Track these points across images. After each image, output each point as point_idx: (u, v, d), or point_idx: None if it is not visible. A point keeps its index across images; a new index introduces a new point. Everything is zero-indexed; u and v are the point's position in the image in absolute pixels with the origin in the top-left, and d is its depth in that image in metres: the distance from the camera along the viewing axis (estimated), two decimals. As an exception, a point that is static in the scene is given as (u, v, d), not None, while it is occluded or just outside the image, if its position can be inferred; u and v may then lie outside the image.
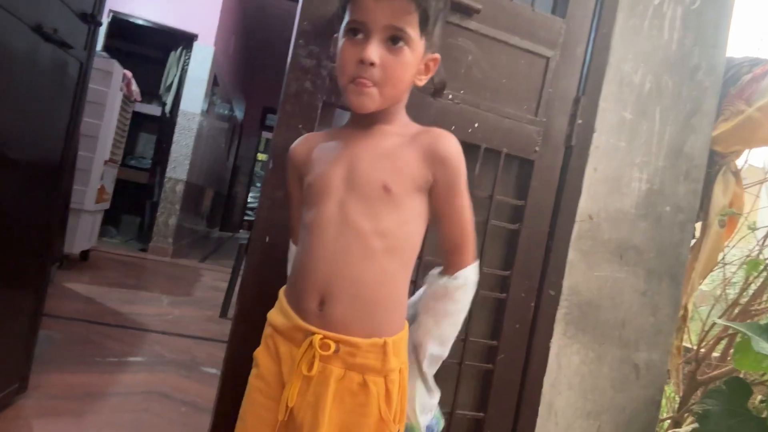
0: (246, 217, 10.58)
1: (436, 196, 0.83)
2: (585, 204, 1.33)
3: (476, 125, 1.23)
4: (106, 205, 4.01)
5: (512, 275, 1.29)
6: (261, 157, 11.81)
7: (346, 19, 0.80)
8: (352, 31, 0.80)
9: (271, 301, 0.97)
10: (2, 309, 1.53)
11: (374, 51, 0.78)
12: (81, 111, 1.75)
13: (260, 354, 0.84)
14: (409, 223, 0.82)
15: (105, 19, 4.60)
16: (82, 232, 3.56)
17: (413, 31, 0.79)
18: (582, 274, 1.34)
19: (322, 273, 0.79)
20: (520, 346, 1.30)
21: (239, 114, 8.41)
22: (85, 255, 3.92)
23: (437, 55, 0.87)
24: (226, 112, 6.91)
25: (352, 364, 0.77)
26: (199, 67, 5.00)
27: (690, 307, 1.51)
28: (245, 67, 7.74)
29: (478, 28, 1.22)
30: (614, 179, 1.37)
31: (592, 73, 1.33)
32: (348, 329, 0.77)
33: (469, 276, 0.88)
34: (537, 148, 1.29)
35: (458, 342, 1.25)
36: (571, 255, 1.32)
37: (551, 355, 1.32)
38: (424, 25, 0.80)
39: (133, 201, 5.24)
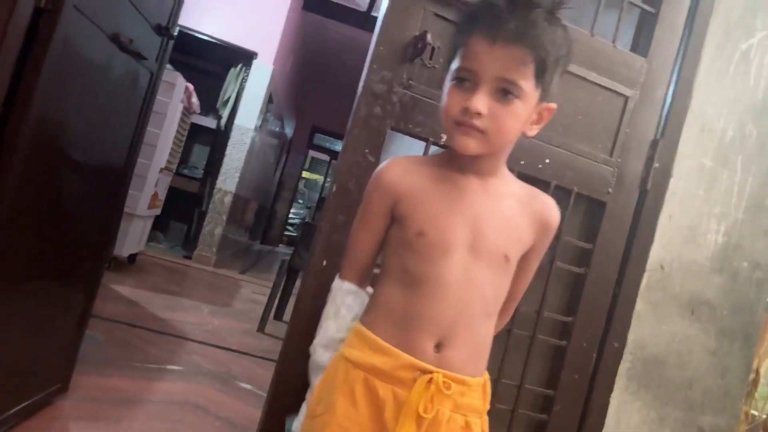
0: (286, 232, 10.69)
1: (529, 257, 0.87)
2: (657, 253, 1.26)
3: (547, 161, 1.19)
4: (158, 211, 4.10)
5: (575, 322, 1.22)
6: (306, 174, 11.97)
7: (456, 64, 0.76)
8: (460, 79, 0.76)
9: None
10: (52, 308, 1.54)
11: (482, 101, 0.73)
12: (147, 120, 1.78)
13: (339, 400, 0.77)
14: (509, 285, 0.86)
15: (172, 33, 4.76)
16: (133, 235, 3.64)
17: (527, 83, 0.74)
18: (649, 327, 1.26)
19: (443, 323, 0.78)
20: (578, 398, 1.22)
21: (289, 131, 8.55)
22: (132, 258, 3.99)
23: (553, 105, 0.82)
24: (277, 128, 7.03)
25: (460, 404, 0.77)
26: (257, 84, 5.10)
27: (762, 371, 1.40)
28: (299, 86, 7.90)
29: (556, 62, 1.18)
30: (689, 229, 1.29)
31: (672, 116, 1.27)
32: (461, 370, 0.78)
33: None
34: (610, 190, 1.23)
35: (512, 388, 1.19)
36: (639, 306, 1.25)
37: (610, 410, 1.24)
38: (540, 75, 0.75)
39: (182, 209, 5.35)
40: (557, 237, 1.21)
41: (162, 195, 4.06)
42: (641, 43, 1.27)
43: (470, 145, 0.75)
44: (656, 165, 1.25)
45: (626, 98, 1.23)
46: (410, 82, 1.08)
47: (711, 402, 1.31)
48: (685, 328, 1.28)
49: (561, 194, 1.20)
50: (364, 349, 0.78)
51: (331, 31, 6.28)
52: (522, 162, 1.17)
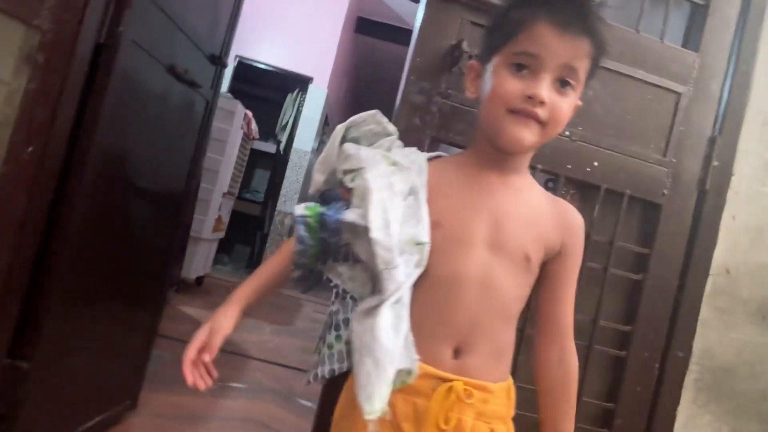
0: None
1: (560, 265, 0.81)
2: (721, 256, 1.19)
3: (596, 164, 1.15)
4: (222, 235, 4.25)
5: (634, 331, 1.16)
6: (365, 194, 12.09)
7: (514, 49, 0.73)
8: (518, 65, 0.73)
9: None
10: (121, 328, 1.62)
11: (546, 89, 0.71)
12: (205, 146, 1.87)
13: (360, 415, 0.72)
14: (530, 288, 0.81)
15: (231, 63, 4.98)
16: (199, 258, 3.79)
17: (583, 76, 0.75)
18: (716, 335, 1.18)
19: (461, 326, 0.75)
20: (641, 411, 1.16)
21: (347, 152, 8.69)
22: (200, 280, 4.15)
23: (580, 103, 0.80)
24: (334, 150, 7.17)
25: (482, 412, 0.74)
26: (313, 108, 5.24)
27: None
28: (353, 106, 8.04)
29: (602, 62, 1.15)
30: (757, 229, 1.21)
31: (730, 112, 1.20)
32: (482, 376, 0.75)
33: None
34: (665, 191, 1.17)
35: (569, 400, 1.14)
36: (704, 313, 1.18)
37: (677, 424, 1.17)
38: (594, 69, 0.76)
39: (245, 231, 5.52)
40: (610, 243, 1.16)
41: (225, 219, 4.22)
42: (692, 38, 1.22)
43: (525, 136, 0.72)
44: (715, 163, 1.18)
45: (678, 95, 1.18)
46: (449, 91, 1.08)
47: (793, 416, 1.21)
48: (756, 335, 1.19)
49: (613, 198, 1.16)
50: None
51: (383, 51, 6.38)
52: (569, 166, 1.14)
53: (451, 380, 0.72)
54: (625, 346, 1.17)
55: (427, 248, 0.73)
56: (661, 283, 1.17)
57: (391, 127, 0.84)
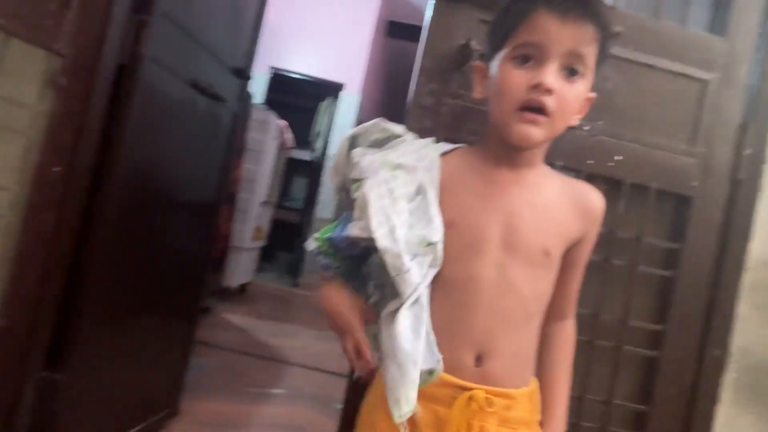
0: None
1: (577, 250, 0.81)
2: (758, 248, 1.13)
3: (618, 158, 1.11)
4: (262, 243, 4.33)
5: (666, 330, 1.11)
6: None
7: (516, 41, 0.72)
8: (522, 57, 0.72)
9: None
10: (157, 337, 1.67)
11: (552, 76, 0.70)
12: (232, 156, 1.91)
13: (380, 421, 0.74)
14: (553, 282, 0.80)
15: (266, 74, 5.08)
16: (241, 267, 3.87)
17: (591, 62, 0.73)
18: (756, 331, 1.12)
19: (480, 330, 0.74)
20: (678, 413, 1.11)
21: (385, 156, 8.71)
22: (242, 288, 4.24)
23: (594, 94, 0.79)
24: (372, 154, 7.20)
25: (506, 418, 0.73)
26: (346, 114, 5.28)
27: None
28: (385, 110, 8.05)
29: (620, 52, 1.11)
30: (797, 219, 1.14)
31: (761, 96, 1.14)
32: (504, 383, 0.74)
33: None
34: (695, 183, 1.12)
35: (599, 405, 1.11)
36: (742, 309, 1.12)
37: (717, 425, 1.11)
38: (602, 56, 0.74)
39: (286, 239, 5.61)
40: (638, 239, 1.12)
41: (265, 227, 4.29)
42: (717, 22, 1.17)
43: (533, 134, 0.71)
44: (747, 151, 1.12)
45: (705, 82, 1.13)
46: (460, 91, 1.07)
47: None
48: (801, 331, 1.13)
49: (638, 191, 1.12)
50: None
51: (412, 54, 6.37)
52: (590, 161, 1.10)
53: (471, 389, 0.72)
54: (657, 346, 1.12)
55: (440, 247, 0.72)
56: (694, 279, 1.12)
57: (398, 129, 0.84)
